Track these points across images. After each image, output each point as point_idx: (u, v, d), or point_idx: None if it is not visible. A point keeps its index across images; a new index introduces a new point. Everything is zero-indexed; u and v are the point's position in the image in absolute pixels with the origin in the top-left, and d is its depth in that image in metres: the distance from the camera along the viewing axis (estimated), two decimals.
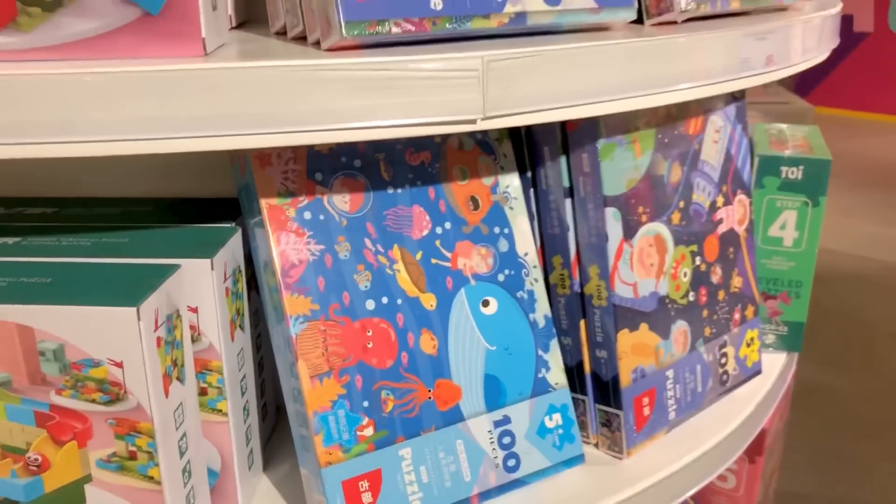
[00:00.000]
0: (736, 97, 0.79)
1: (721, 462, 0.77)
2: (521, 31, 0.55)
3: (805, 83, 7.16)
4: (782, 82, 3.31)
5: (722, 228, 0.79)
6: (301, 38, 0.55)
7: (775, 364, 0.89)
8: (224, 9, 0.53)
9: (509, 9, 0.53)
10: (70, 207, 0.70)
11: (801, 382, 2.49)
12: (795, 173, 0.85)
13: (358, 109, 0.48)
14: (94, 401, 0.53)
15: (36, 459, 0.55)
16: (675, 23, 0.63)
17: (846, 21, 6.87)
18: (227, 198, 0.69)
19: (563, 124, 0.68)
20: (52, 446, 0.54)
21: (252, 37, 0.59)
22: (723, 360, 0.80)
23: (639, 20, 0.64)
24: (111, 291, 0.52)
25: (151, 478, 0.54)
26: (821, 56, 0.79)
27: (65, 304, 0.51)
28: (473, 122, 0.51)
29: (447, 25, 0.51)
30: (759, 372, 0.85)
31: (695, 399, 0.77)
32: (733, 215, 0.80)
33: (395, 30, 0.49)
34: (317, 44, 0.52)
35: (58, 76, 0.43)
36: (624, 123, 0.68)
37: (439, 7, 0.51)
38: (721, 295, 0.79)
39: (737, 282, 0.81)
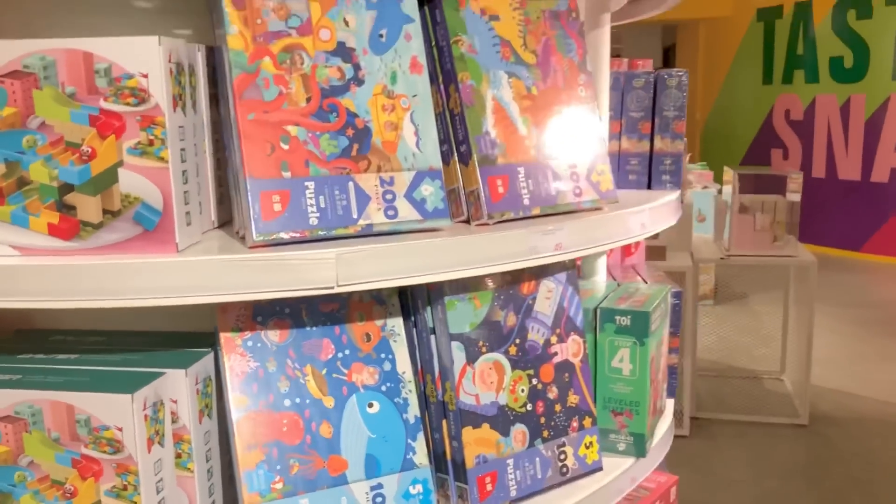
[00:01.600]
0: (567, 267, 1.13)
1: None
2: (372, 233, 0.91)
3: (858, 233, 7.30)
4: (793, 233, 3.57)
5: (557, 359, 1.11)
6: (242, 238, 0.93)
7: (622, 465, 1.18)
8: (199, 222, 0.92)
9: (361, 222, 0.90)
10: (113, 337, 1.08)
11: None
12: (625, 321, 1.17)
13: (265, 282, 0.85)
14: (105, 451, 0.88)
15: (69, 489, 0.90)
16: (488, 224, 0.99)
17: None
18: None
19: (428, 286, 1.03)
20: (80, 481, 0.89)
21: (220, 235, 0.97)
22: (562, 457, 1.10)
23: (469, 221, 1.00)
24: (120, 386, 0.89)
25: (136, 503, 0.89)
26: (645, 234, 1.13)
27: (92, 392, 0.88)
28: (332, 288, 0.87)
29: (320, 233, 0.88)
30: (599, 469, 1.14)
31: (535, 483, 1.07)
32: (568, 350, 1.12)
33: (286, 237, 0.87)
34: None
35: (102, 265, 0.82)
36: (465, 286, 1.02)
37: (315, 222, 0.88)
38: (558, 408, 1.10)
39: (573, 399, 1.12)
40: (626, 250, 1.67)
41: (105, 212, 0.85)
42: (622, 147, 1.37)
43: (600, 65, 1.30)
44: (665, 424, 1.32)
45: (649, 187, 1.38)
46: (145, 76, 0.82)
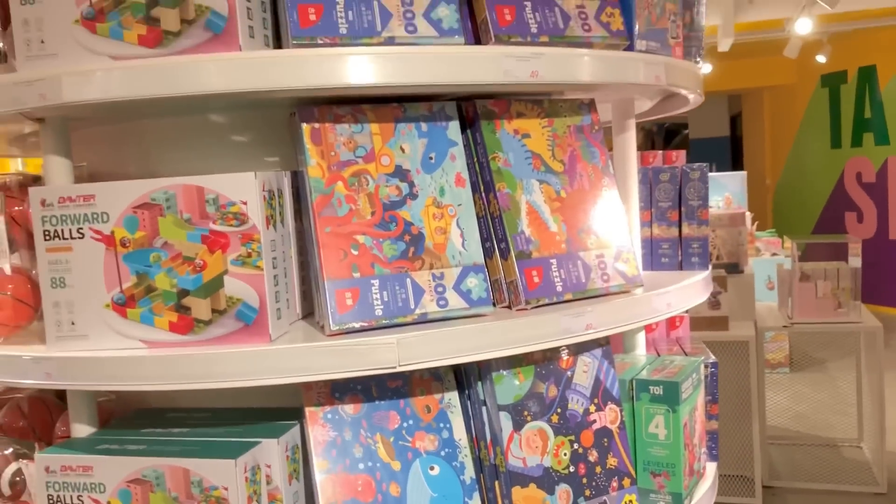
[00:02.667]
0: (602, 343, 1.28)
1: None
2: (427, 320, 1.10)
3: None
4: (857, 299, 3.59)
5: (596, 426, 1.25)
6: (322, 327, 1.12)
7: None
8: (287, 315, 1.13)
9: (417, 312, 1.09)
10: (215, 413, 1.29)
11: None
12: (658, 391, 1.31)
13: (340, 364, 1.04)
14: None
15: None
16: (526, 309, 1.16)
17: None
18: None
19: (478, 363, 1.20)
20: None
21: (304, 325, 1.17)
22: None
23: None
24: (225, 453, 1.08)
25: None
26: (672, 313, 1.28)
27: (202, 458, 1.07)
28: (394, 367, 1.05)
29: (384, 322, 1.07)
30: None
31: None
32: (605, 418, 1.26)
33: (357, 326, 1.06)
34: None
35: (212, 354, 1.03)
36: (510, 362, 1.19)
37: (380, 313, 1.07)
38: (598, 469, 1.24)
39: (612, 461, 1.26)
40: (671, 324, 1.80)
41: (213, 311, 1.06)
42: (654, 234, 1.54)
43: (628, 163, 1.47)
44: (705, 486, 1.44)
45: (681, 268, 1.53)
46: (245, 203, 1.04)
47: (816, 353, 5.68)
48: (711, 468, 1.52)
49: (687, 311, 1.60)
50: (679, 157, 1.79)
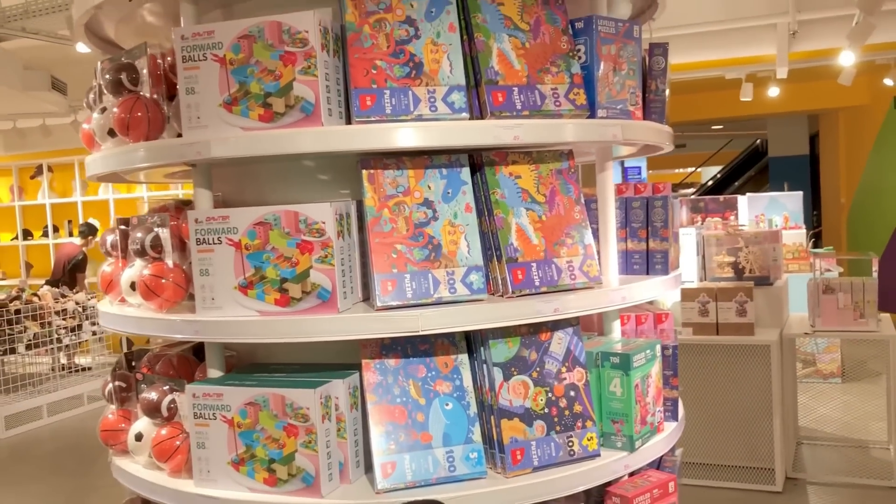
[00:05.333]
0: (572, 323, 1.79)
1: (562, 490, 1.69)
2: (441, 302, 1.64)
3: None
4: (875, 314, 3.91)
5: (566, 382, 1.76)
6: (373, 305, 1.68)
7: (616, 455, 1.79)
8: (351, 297, 1.69)
9: (435, 296, 1.63)
10: (306, 365, 1.86)
11: None
12: (616, 360, 1.81)
13: (383, 328, 1.60)
14: (300, 421, 1.64)
15: (282, 443, 1.66)
16: (512, 297, 1.69)
17: None
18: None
19: (480, 332, 1.73)
20: (287, 438, 1.65)
21: (363, 304, 1.74)
22: (570, 444, 1.74)
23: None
24: (308, 386, 1.65)
25: (316, 451, 1.63)
26: (626, 304, 1.78)
27: (293, 389, 1.64)
28: (417, 331, 1.60)
29: (412, 302, 1.62)
30: (597, 455, 1.76)
31: (550, 458, 1.72)
32: (573, 376, 1.77)
33: (394, 304, 1.61)
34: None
35: (300, 319, 1.60)
36: (502, 333, 1.72)
37: (410, 296, 1.62)
38: (567, 412, 1.75)
39: (578, 408, 1.76)
40: (658, 319, 2.28)
41: (302, 292, 1.63)
42: (628, 247, 2.03)
43: (607, 193, 1.97)
44: (660, 437, 1.91)
45: (647, 273, 2.02)
46: (324, 223, 1.61)
47: (871, 365, 5.91)
48: (670, 426, 1.99)
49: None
50: (666, 188, 2.27)
